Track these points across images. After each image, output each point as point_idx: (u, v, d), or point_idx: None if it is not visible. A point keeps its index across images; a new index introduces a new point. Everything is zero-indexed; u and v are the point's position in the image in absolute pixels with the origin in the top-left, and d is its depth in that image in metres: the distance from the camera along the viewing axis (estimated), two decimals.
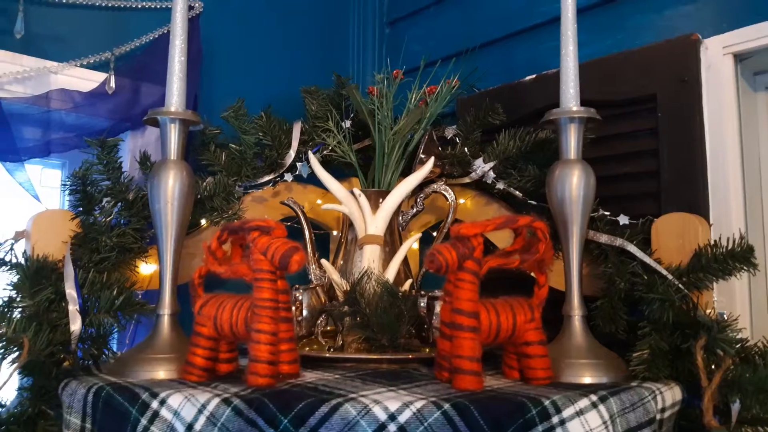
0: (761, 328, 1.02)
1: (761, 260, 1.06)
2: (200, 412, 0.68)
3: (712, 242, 0.90)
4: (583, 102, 0.92)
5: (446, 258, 0.75)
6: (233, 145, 1.14)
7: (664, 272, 0.88)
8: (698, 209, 1.00)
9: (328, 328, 1.02)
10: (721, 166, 1.03)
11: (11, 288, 0.87)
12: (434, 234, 1.25)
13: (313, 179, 1.15)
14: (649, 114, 1.08)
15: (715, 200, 1.02)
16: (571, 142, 0.90)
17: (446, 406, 0.66)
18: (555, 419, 0.67)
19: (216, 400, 0.69)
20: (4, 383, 0.79)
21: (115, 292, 0.90)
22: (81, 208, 0.96)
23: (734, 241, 0.88)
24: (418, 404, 0.66)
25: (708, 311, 0.85)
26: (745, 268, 0.87)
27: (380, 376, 0.83)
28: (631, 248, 0.93)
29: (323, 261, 1.07)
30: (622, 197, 1.08)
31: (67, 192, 0.97)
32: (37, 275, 0.88)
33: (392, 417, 0.65)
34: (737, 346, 0.81)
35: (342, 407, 0.66)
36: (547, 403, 0.68)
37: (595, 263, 0.98)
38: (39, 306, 0.85)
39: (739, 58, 1.05)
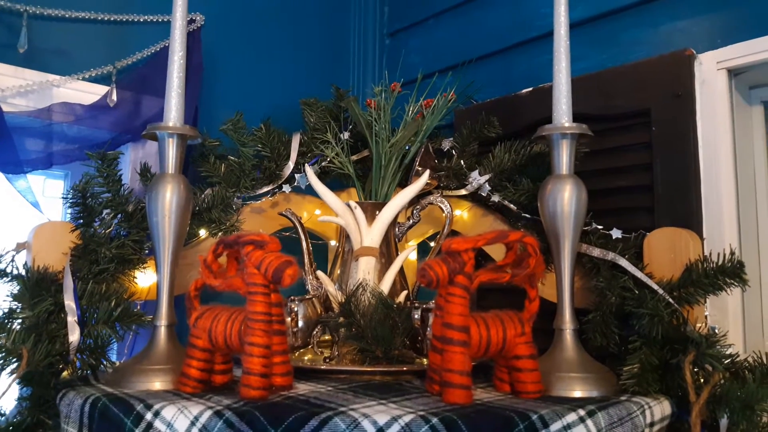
0: (754, 342, 1.02)
1: (755, 275, 1.06)
2: (193, 424, 0.70)
3: (704, 257, 0.90)
4: (578, 116, 0.92)
5: (437, 273, 0.76)
6: (232, 158, 1.15)
7: (655, 287, 0.89)
8: (691, 223, 1.00)
9: (325, 337, 1.03)
10: (715, 181, 1.03)
11: (11, 299, 0.88)
12: (431, 244, 1.26)
13: (311, 190, 1.16)
14: (643, 128, 1.08)
15: (709, 215, 1.03)
16: (563, 157, 0.91)
17: (434, 420, 0.67)
18: None
19: (208, 413, 0.70)
20: (4, 393, 0.80)
21: (113, 303, 0.91)
22: (81, 220, 0.98)
23: (725, 257, 0.88)
24: (407, 418, 0.67)
25: (698, 326, 0.85)
26: (735, 283, 0.87)
27: (372, 388, 0.84)
28: (623, 262, 0.94)
29: (319, 272, 1.08)
30: (617, 210, 1.09)
31: (67, 205, 0.98)
32: (37, 286, 0.90)
33: (380, 431, 0.66)
34: (726, 361, 0.81)
35: (331, 421, 0.67)
36: (534, 417, 0.69)
37: (588, 276, 0.99)
38: (38, 317, 0.87)
39: (734, 73, 1.06)
